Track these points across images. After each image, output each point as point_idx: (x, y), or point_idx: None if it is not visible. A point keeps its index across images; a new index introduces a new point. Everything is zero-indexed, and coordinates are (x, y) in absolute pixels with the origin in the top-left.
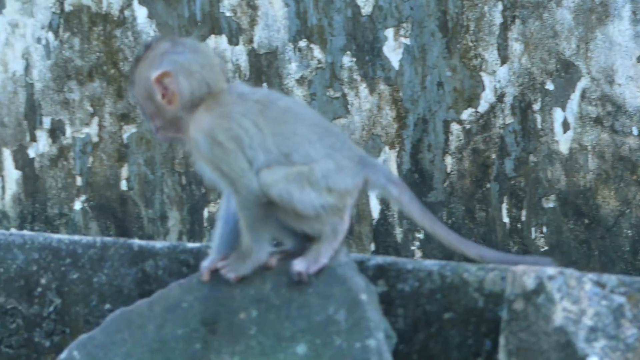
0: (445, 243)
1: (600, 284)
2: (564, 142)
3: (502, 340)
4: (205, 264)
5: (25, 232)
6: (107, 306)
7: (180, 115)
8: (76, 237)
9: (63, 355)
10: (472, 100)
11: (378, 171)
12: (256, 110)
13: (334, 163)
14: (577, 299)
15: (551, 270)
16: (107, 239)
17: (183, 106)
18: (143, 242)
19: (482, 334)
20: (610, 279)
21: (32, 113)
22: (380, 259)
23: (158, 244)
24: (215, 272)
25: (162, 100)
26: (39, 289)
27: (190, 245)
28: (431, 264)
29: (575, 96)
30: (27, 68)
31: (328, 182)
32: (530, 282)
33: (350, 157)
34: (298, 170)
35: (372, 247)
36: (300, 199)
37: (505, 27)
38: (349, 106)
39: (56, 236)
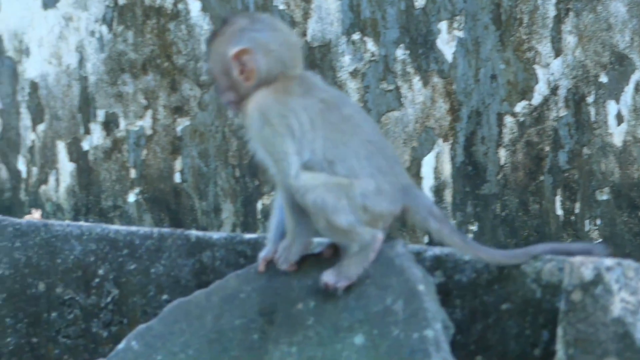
0: (493, 263)
1: None
2: (617, 135)
3: (559, 331)
4: (262, 255)
5: (82, 223)
6: (165, 297)
7: (253, 91)
8: (133, 228)
9: (121, 345)
10: (525, 92)
11: (420, 203)
12: (318, 109)
13: (375, 184)
14: (635, 290)
15: (609, 261)
16: (165, 230)
17: (259, 83)
18: (200, 233)
19: (539, 325)
20: None
21: (86, 106)
22: (437, 250)
23: (215, 235)
24: (271, 263)
25: (239, 76)
26: (97, 280)
27: (248, 236)
28: None
29: (629, 89)
30: (81, 61)
31: (365, 201)
32: (588, 273)
33: (393, 183)
34: (339, 181)
35: (426, 239)
36: (335, 211)
37: (559, 19)
38: (402, 99)
39: (113, 227)
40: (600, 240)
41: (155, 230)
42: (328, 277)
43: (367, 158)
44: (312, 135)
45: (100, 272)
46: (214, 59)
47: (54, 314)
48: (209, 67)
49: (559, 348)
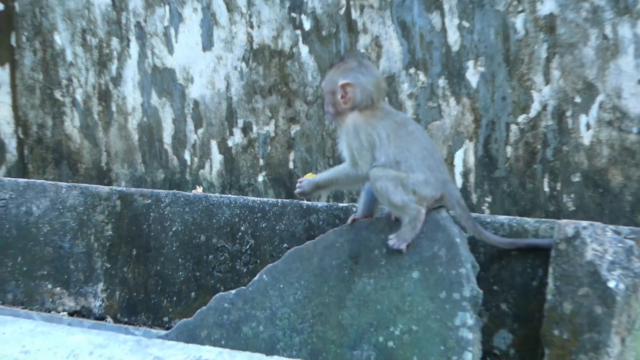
0: (492, 243)
1: (617, 232)
2: (586, 138)
3: (550, 269)
4: (351, 217)
5: (230, 195)
6: (285, 245)
7: (346, 111)
8: (265, 199)
9: (256, 278)
10: (525, 109)
11: (452, 194)
12: (393, 127)
13: (424, 177)
14: (602, 242)
15: (584, 223)
16: (285, 200)
17: (352, 107)
18: (309, 203)
19: (537, 265)
20: (624, 229)
21: (231, 116)
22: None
23: (319, 204)
24: (356, 221)
25: (340, 99)
26: (240, 234)
27: (341, 205)
28: (503, 218)
29: (595, 107)
30: (228, 87)
31: (415, 188)
32: (570, 231)
33: (437, 178)
34: (398, 174)
35: None
36: (393, 192)
37: (548, 60)
38: (442, 112)
39: (251, 198)
40: (573, 208)
41: (279, 200)
42: (392, 241)
43: (422, 159)
44: (387, 146)
45: (242, 228)
46: (327, 81)
47: (210, 257)
48: (322, 86)
49: (550, 281)
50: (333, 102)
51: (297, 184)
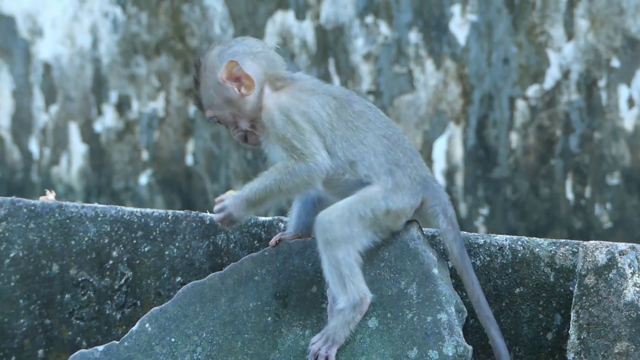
0: (470, 295)
1: None
2: (629, 119)
3: (573, 316)
4: (277, 236)
5: (97, 205)
6: (179, 279)
7: (257, 102)
8: (148, 210)
9: (135, 327)
10: (537, 76)
11: (437, 198)
12: (333, 105)
13: (392, 181)
14: None
15: (622, 245)
16: (179, 212)
17: (261, 88)
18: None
19: (552, 309)
20: None
21: (99, 87)
22: None
23: None
24: (282, 242)
25: (239, 92)
26: (111, 262)
27: (262, 218)
28: (503, 238)
29: None
30: (95, 43)
31: (388, 204)
32: (601, 258)
33: (411, 176)
34: (356, 207)
35: None
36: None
37: (571, 3)
38: (414, 82)
39: (128, 209)
40: (609, 224)
41: (170, 212)
42: (317, 345)
43: (384, 153)
44: (331, 138)
45: (114, 254)
46: (208, 98)
47: (67, 296)
48: (210, 112)
49: (572, 332)
50: (237, 111)
51: (217, 207)
